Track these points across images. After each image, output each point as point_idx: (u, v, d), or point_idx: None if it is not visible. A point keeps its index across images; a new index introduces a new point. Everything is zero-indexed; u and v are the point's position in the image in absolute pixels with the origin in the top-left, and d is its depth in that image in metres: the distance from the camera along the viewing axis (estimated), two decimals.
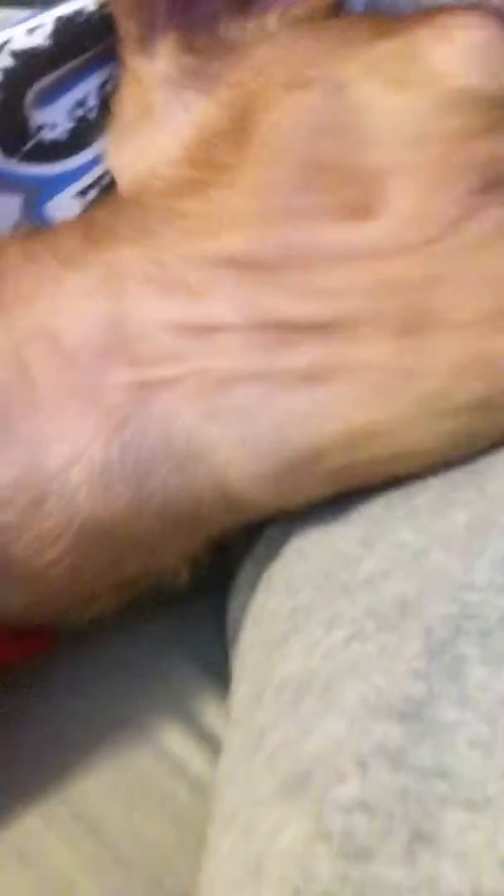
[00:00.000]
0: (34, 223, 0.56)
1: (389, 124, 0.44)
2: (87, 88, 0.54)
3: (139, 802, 0.51)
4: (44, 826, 0.50)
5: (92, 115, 0.54)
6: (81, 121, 0.54)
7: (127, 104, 0.52)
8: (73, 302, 0.44)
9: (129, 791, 0.51)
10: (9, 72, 0.52)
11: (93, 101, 0.54)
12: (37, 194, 0.55)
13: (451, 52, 0.45)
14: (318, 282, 0.43)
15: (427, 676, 0.36)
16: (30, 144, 0.54)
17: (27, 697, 0.52)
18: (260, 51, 0.49)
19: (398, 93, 0.44)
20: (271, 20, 0.50)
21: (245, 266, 0.43)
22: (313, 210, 0.43)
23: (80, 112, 0.54)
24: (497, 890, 0.30)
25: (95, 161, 0.55)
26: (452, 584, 0.38)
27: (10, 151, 0.54)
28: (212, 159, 0.46)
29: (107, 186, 0.54)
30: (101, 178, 0.55)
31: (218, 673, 0.53)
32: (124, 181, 0.51)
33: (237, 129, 0.46)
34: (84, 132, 0.54)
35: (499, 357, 0.42)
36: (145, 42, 0.50)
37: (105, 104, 0.54)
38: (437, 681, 0.35)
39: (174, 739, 0.53)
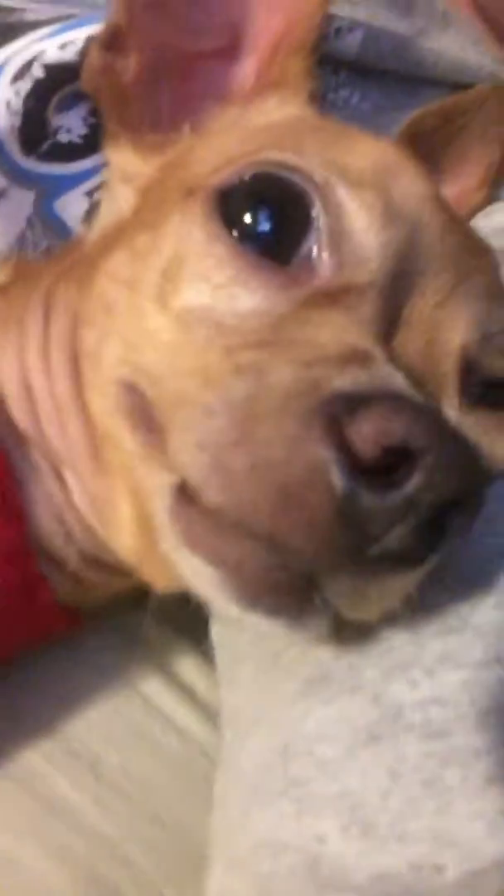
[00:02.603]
0: (44, 218, 0.61)
1: None
2: None
3: (133, 749, 0.55)
4: (46, 763, 0.52)
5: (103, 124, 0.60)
6: (94, 127, 0.60)
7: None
8: None
9: (123, 738, 0.55)
10: (38, 82, 0.58)
11: None
12: (49, 191, 0.61)
13: None
14: None
15: None
16: (47, 145, 0.60)
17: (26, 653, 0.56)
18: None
19: None
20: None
21: None
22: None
23: (92, 120, 0.60)
24: None
25: (103, 166, 0.61)
26: None
27: (29, 150, 0.60)
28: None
29: None
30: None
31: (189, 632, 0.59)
32: None
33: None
34: (95, 138, 0.60)
35: None
36: (118, 137, 0.53)
37: None
38: None
39: (157, 691, 0.57)
